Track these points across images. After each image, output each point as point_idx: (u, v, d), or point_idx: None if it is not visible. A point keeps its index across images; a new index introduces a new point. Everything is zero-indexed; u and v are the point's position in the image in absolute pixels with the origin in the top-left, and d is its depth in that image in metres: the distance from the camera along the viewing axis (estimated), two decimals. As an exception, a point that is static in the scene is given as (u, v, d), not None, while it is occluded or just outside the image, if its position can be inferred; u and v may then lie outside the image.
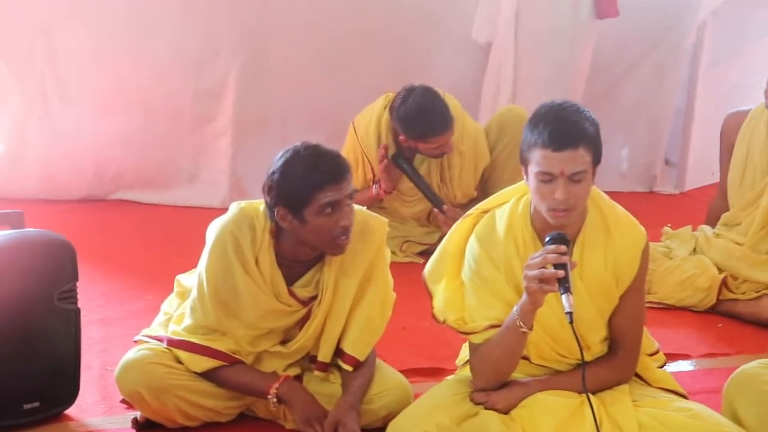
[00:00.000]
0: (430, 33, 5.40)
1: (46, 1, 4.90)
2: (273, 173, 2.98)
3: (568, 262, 2.79)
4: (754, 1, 6.14)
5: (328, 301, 3.13)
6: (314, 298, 3.15)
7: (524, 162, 2.94)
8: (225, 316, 3.07)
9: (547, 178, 2.85)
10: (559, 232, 2.84)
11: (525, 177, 2.97)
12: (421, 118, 4.54)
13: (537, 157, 2.87)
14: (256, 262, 3.08)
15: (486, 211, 3.09)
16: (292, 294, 3.12)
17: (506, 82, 5.34)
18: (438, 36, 5.42)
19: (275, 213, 3.01)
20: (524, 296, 2.81)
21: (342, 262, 3.12)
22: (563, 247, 2.78)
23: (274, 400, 3.04)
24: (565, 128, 2.87)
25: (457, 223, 3.14)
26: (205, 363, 3.05)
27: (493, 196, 3.19)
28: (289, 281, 3.12)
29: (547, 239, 2.83)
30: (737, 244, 4.41)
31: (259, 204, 3.11)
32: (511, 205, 3.07)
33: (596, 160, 2.92)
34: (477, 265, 3.02)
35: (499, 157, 4.81)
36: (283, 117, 5.37)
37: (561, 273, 2.75)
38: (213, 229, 3.12)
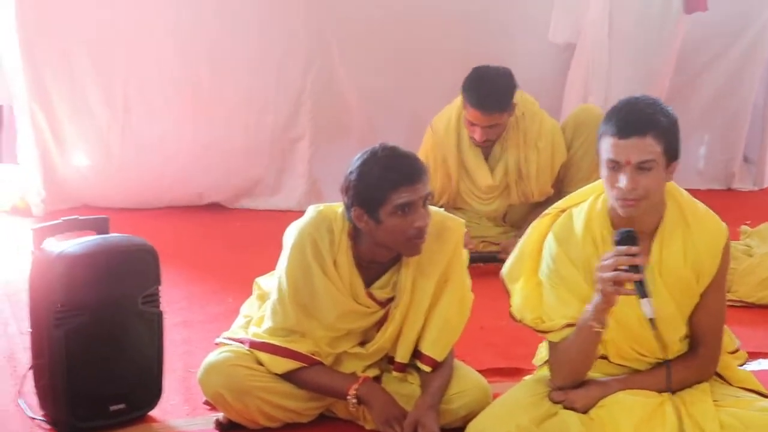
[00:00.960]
0: (507, 36, 5.39)
1: (130, 16, 4.97)
2: (350, 173, 2.99)
3: (642, 264, 2.77)
4: None
5: (405, 302, 3.12)
6: (392, 299, 3.15)
7: (600, 155, 2.94)
8: (305, 317, 3.09)
9: (613, 165, 2.84)
10: (627, 229, 2.83)
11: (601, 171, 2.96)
12: (471, 83, 4.52)
13: (606, 145, 2.87)
14: (335, 263, 3.09)
15: (563, 210, 3.07)
16: (369, 295, 3.12)
17: (599, 81, 5.29)
18: (514, 39, 5.42)
19: (352, 213, 3.02)
20: (597, 296, 2.79)
21: (419, 263, 3.12)
22: (634, 248, 2.76)
23: (354, 401, 3.05)
24: (634, 117, 2.87)
25: (535, 222, 3.13)
26: (286, 364, 3.07)
27: (571, 194, 3.18)
28: (367, 283, 3.13)
29: (615, 238, 2.82)
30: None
31: (338, 207, 3.12)
32: (590, 203, 3.04)
33: (670, 152, 2.87)
34: (555, 263, 3.00)
35: (575, 155, 4.78)
36: (359, 121, 5.40)
37: (637, 277, 2.74)
38: (291, 232, 3.14)
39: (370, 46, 5.28)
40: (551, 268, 3.01)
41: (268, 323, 3.14)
